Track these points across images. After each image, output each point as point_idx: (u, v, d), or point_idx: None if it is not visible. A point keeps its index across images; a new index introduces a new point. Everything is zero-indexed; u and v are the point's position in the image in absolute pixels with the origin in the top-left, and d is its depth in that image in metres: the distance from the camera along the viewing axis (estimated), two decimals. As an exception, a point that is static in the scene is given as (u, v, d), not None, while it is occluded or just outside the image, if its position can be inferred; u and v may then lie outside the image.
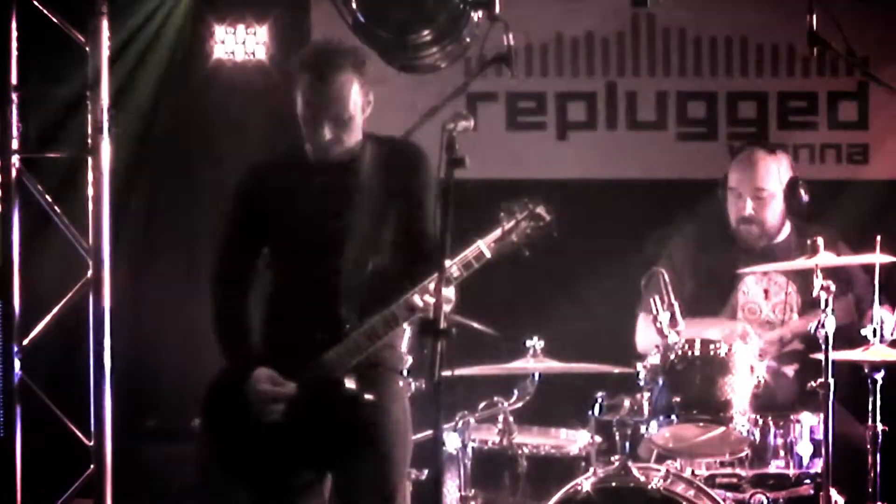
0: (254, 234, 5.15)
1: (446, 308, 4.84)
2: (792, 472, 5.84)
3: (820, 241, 5.62)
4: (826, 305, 5.47)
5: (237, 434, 5.05)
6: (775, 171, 6.34)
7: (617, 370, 5.98)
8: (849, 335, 5.80)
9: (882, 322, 5.71)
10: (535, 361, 6.02)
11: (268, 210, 5.12)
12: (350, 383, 5.00)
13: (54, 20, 6.68)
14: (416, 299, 4.89)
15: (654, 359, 5.74)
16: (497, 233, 4.94)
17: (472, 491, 5.98)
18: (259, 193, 5.14)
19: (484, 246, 4.94)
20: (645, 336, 6.26)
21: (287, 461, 5.04)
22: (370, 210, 5.06)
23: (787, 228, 6.44)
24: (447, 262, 4.87)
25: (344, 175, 5.08)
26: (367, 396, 5.01)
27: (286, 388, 4.99)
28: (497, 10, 5.94)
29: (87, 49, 6.65)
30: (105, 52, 6.63)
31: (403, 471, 5.14)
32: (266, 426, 5.00)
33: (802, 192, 6.34)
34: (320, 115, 5.01)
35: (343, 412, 5.01)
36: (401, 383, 5.30)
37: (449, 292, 4.89)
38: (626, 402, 5.79)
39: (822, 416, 5.59)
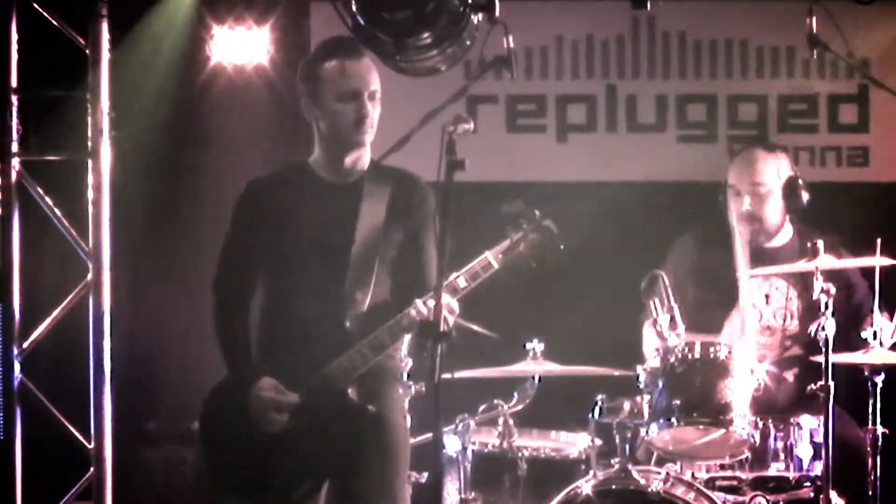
0: (255, 245, 5.15)
1: (450, 318, 4.86)
2: (792, 474, 5.84)
3: (820, 243, 5.62)
4: (826, 308, 5.48)
5: (237, 443, 5.04)
6: (773, 168, 6.35)
7: (617, 373, 5.98)
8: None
9: (882, 325, 5.71)
10: (534, 364, 6.02)
11: (271, 225, 5.11)
12: (353, 395, 5.00)
13: (54, 23, 6.69)
14: (422, 308, 4.90)
15: (654, 361, 5.75)
16: (505, 244, 4.97)
17: (472, 493, 5.98)
18: (262, 208, 5.14)
19: (492, 257, 4.97)
20: (651, 345, 6.25)
21: (287, 470, 5.03)
22: (373, 231, 5.08)
23: (789, 232, 6.44)
24: (455, 274, 4.90)
25: (349, 196, 5.10)
26: (370, 408, 5.01)
27: (289, 397, 4.99)
28: (497, 12, 5.93)
29: (88, 52, 6.65)
30: (105, 55, 6.64)
31: (403, 476, 5.15)
32: (266, 435, 5.00)
33: (802, 190, 6.34)
34: (359, 89, 5.05)
35: (345, 423, 5.01)
36: (400, 390, 5.31)
37: (453, 303, 4.91)
38: (626, 405, 5.79)
39: (822, 418, 5.59)
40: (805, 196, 6.33)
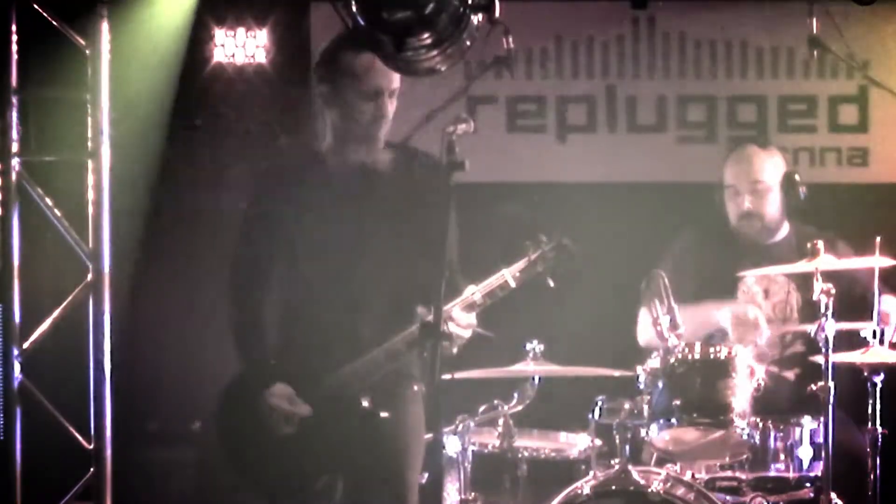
0: (270, 240, 5.13)
1: (466, 333, 4.85)
2: (792, 475, 5.83)
3: (820, 244, 5.62)
4: (826, 309, 5.47)
5: (251, 440, 5.04)
6: (770, 165, 6.36)
7: (617, 373, 5.98)
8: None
9: (882, 324, 5.71)
10: (535, 365, 6.02)
11: (285, 216, 5.10)
12: (366, 402, 4.99)
13: (54, 23, 6.68)
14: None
15: (654, 362, 5.74)
16: (523, 262, 4.98)
17: (473, 494, 5.97)
18: (276, 200, 5.12)
19: (509, 275, 4.97)
20: (646, 330, 6.26)
21: (301, 468, 5.03)
22: (389, 220, 5.06)
23: (786, 228, 6.45)
24: (472, 288, 4.89)
25: (363, 183, 5.08)
26: (383, 414, 5.01)
27: (301, 409, 4.98)
28: (497, 13, 5.93)
29: (87, 52, 6.65)
30: (105, 56, 6.63)
31: (415, 476, 5.16)
32: (281, 435, 4.99)
33: (800, 185, 6.35)
34: (381, 87, 5.01)
35: (358, 427, 5.00)
36: (415, 388, 5.29)
37: (470, 318, 4.90)
38: (626, 406, 5.77)
39: (822, 419, 5.59)
40: (803, 190, 6.34)
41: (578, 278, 5.55)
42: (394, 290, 5.07)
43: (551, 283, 4.99)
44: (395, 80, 5.06)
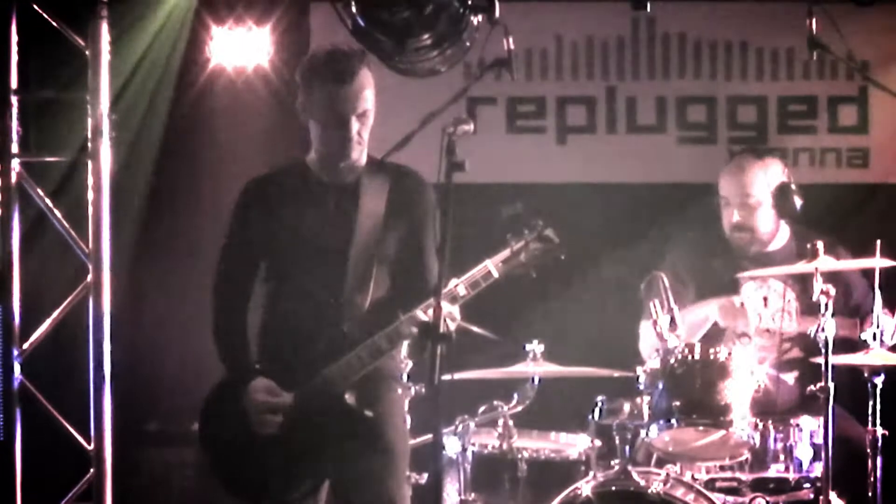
0: (255, 247, 5.15)
1: (451, 325, 4.86)
2: (792, 475, 5.84)
3: (819, 245, 5.62)
4: (826, 309, 5.48)
5: (235, 443, 5.05)
6: (762, 178, 6.33)
7: (617, 374, 5.99)
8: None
9: (882, 326, 5.72)
10: (535, 365, 6.03)
11: (270, 225, 5.11)
12: (351, 399, 5.01)
13: (54, 24, 6.68)
14: (421, 315, 4.90)
15: (654, 363, 5.75)
16: (506, 253, 4.99)
17: (472, 495, 5.98)
18: (261, 209, 5.14)
19: (492, 265, 4.98)
20: (648, 343, 6.26)
21: (286, 471, 5.04)
22: (373, 228, 5.08)
23: (786, 234, 6.44)
24: (455, 281, 4.91)
25: (348, 194, 5.10)
26: (367, 413, 5.02)
27: (283, 398, 5.00)
28: (497, 14, 5.93)
29: (87, 53, 6.65)
30: (105, 57, 6.63)
31: (402, 477, 5.16)
32: (264, 436, 5.00)
33: (794, 196, 6.32)
34: (346, 116, 5.01)
35: (342, 426, 5.01)
36: (399, 391, 5.31)
37: (454, 310, 4.92)
38: (626, 406, 5.79)
39: (821, 419, 5.59)
40: (798, 201, 6.31)
41: (569, 274, 5.57)
42: (378, 286, 5.08)
43: (534, 275, 5.01)
44: (363, 103, 5.04)
